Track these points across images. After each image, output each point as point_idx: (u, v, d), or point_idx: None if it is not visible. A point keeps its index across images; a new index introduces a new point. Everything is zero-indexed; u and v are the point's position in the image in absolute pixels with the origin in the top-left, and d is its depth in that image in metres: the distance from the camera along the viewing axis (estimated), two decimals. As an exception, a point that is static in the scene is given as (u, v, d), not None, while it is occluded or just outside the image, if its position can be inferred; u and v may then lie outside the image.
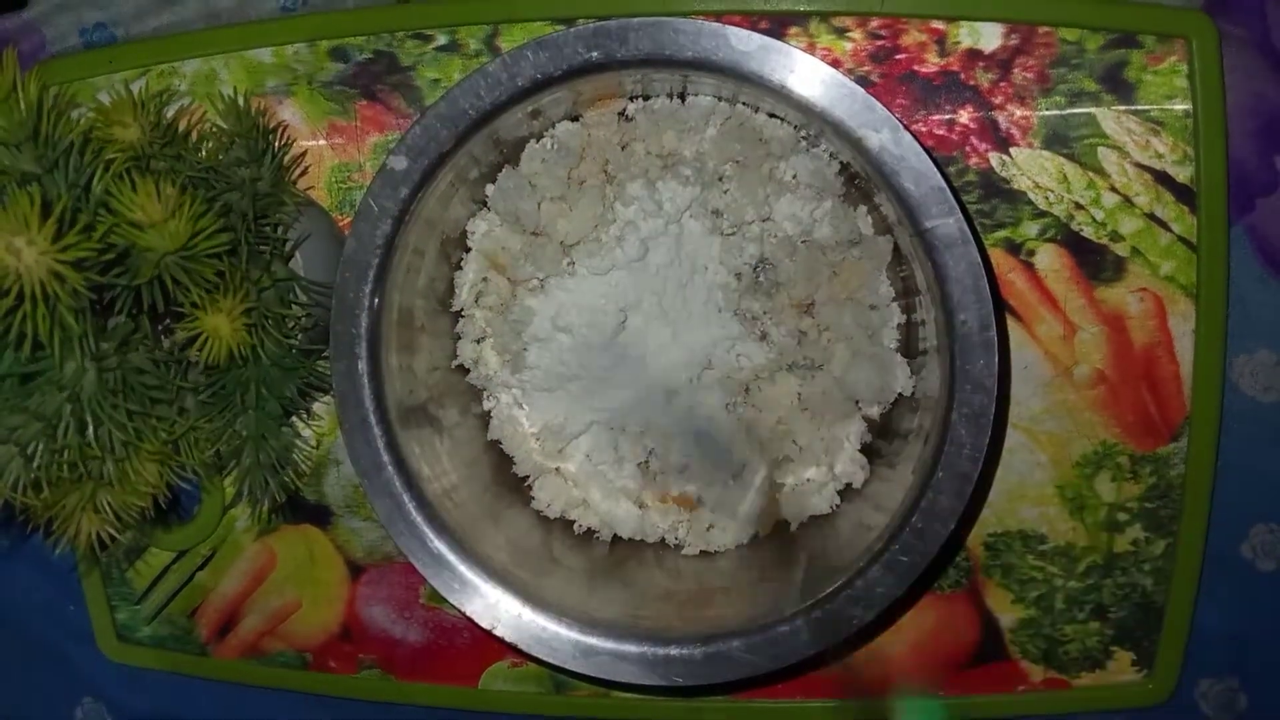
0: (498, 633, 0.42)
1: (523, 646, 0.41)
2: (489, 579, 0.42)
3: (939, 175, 0.38)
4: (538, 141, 0.45)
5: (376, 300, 0.41)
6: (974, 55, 0.45)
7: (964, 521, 0.39)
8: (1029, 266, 0.46)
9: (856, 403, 0.45)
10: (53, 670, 0.56)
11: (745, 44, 0.39)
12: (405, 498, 0.42)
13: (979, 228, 0.46)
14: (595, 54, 0.39)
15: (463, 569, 0.42)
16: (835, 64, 0.46)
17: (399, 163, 0.40)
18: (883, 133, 0.38)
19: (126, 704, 0.56)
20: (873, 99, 0.38)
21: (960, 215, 0.38)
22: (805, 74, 0.39)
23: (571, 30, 0.40)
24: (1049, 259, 0.46)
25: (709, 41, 0.39)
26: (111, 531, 0.37)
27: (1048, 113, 0.45)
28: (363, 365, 0.41)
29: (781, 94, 0.39)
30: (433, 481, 0.43)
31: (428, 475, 0.43)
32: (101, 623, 0.54)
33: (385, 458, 0.42)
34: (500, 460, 0.48)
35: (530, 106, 0.41)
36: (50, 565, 0.55)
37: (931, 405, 0.41)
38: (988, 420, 0.38)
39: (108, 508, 0.36)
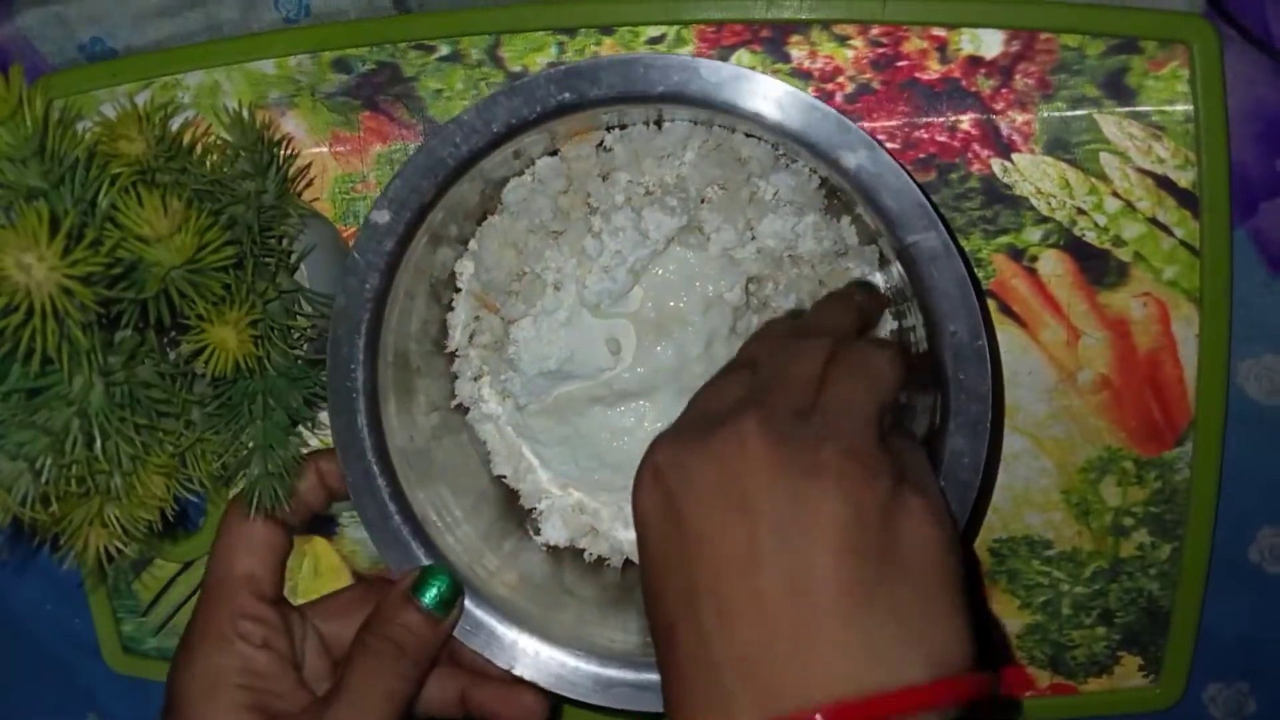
0: (517, 671, 0.42)
1: (542, 684, 0.42)
2: (503, 619, 0.42)
3: (918, 190, 0.38)
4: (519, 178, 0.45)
5: (371, 353, 0.41)
6: (975, 62, 0.46)
7: (968, 528, 0.39)
8: (1032, 272, 0.46)
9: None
10: (57, 683, 0.56)
11: (716, 75, 0.39)
12: (413, 544, 0.42)
13: (982, 234, 0.46)
14: (568, 95, 0.40)
15: (477, 612, 0.42)
16: (837, 71, 0.46)
17: (381, 216, 0.41)
18: (859, 152, 0.38)
19: (131, 717, 0.56)
20: (846, 120, 0.38)
21: (943, 228, 0.38)
22: (778, 100, 0.39)
23: (542, 74, 0.40)
24: (1052, 265, 0.46)
25: (679, 75, 0.39)
26: (119, 545, 0.37)
27: (1049, 118, 0.45)
28: (362, 419, 0.41)
29: (756, 121, 0.39)
30: (439, 524, 0.43)
31: (434, 519, 0.43)
32: (107, 635, 0.54)
33: (391, 507, 0.42)
34: (506, 494, 0.48)
35: (510, 150, 0.41)
36: (55, 577, 0.54)
37: (927, 409, 0.41)
38: (985, 429, 0.38)
39: (115, 521, 0.36)
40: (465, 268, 0.47)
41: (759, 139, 0.44)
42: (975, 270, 0.46)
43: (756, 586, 0.30)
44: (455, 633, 0.42)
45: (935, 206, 0.38)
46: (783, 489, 0.30)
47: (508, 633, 0.42)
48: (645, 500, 0.33)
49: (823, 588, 0.29)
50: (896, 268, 0.41)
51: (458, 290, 0.47)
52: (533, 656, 0.42)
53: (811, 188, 0.44)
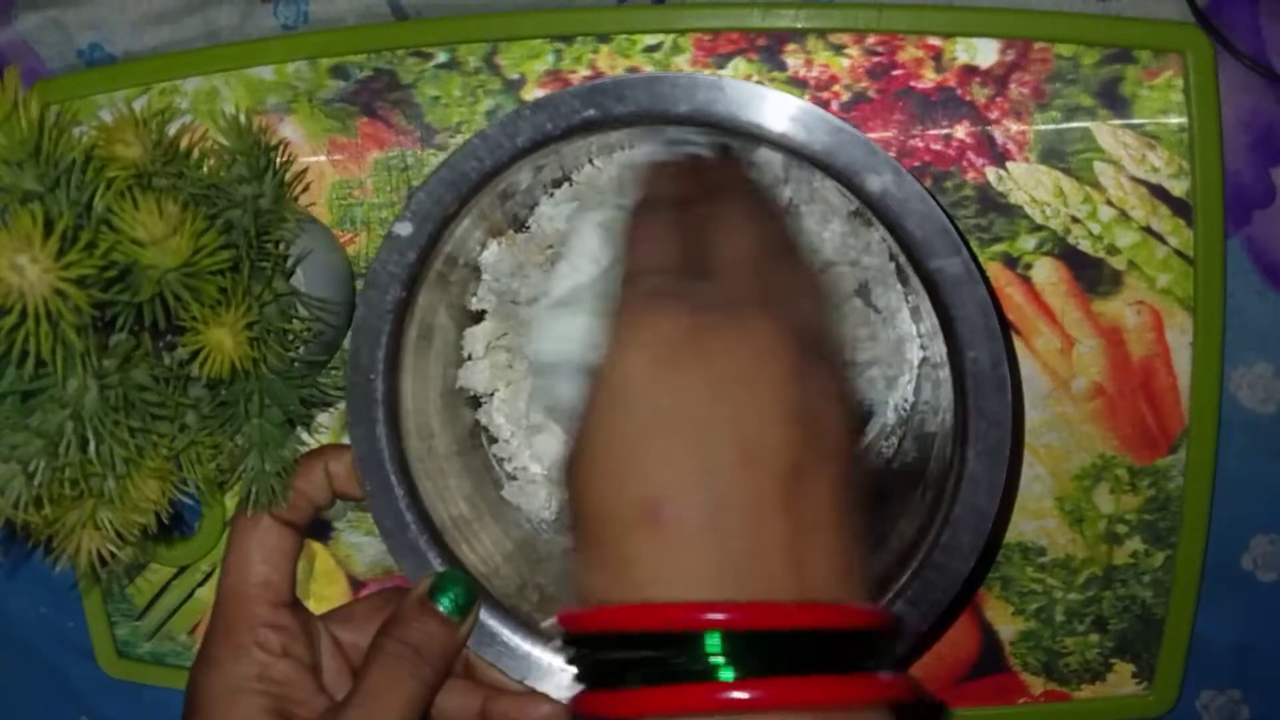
0: (529, 683, 0.41)
1: (555, 695, 0.41)
2: (518, 631, 0.42)
3: (943, 215, 0.38)
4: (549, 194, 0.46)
5: (390, 364, 0.41)
6: (970, 71, 0.46)
7: (984, 554, 0.39)
8: (1026, 280, 0.47)
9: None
10: (50, 688, 0.56)
11: (741, 94, 0.38)
12: (430, 555, 0.42)
13: (977, 242, 0.46)
14: (592, 111, 0.39)
15: (491, 623, 0.42)
16: (832, 80, 0.46)
17: (404, 229, 0.41)
18: (885, 176, 0.38)
19: (126, 722, 0.56)
20: (873, 143, 0.38)
21: (967, 254, 0.38)
22: (804, 122, 0.38)
23: (568, 90, 0.40)
24: (1046, 272, 0.47)
25: (705, 94, 0.39)
26: (112, 549, 0.37)
27: (1044, 127, 0.46)
28: (380, 429, 0.41)
29: (780, 144, 0.39)
30: (456, 535, 0.43)
31: (452, 530, 0.43)
32: (101, 639, 0.54)
33: (408, 517, 0.42)
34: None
35: (538, 163, 0.41)
36: (49, 581, 0.54)
37: (946, 430, 0.40)
38: (1003, 457, 0.38)
39: (109, 525, 0.36)
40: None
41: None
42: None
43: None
44: (470, 644, 0.42)
45: (959, 230, 0.38)
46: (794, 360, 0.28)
47: (522, 644, 0.42)
48: (636, 350, 0.28)
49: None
50: (917, 288, 0.41)
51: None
52: (546, 669, 0.41)
53: (835, 197, 0.44)
